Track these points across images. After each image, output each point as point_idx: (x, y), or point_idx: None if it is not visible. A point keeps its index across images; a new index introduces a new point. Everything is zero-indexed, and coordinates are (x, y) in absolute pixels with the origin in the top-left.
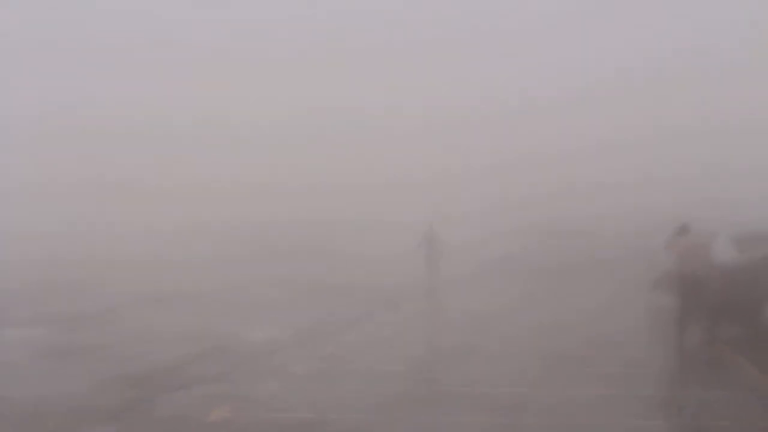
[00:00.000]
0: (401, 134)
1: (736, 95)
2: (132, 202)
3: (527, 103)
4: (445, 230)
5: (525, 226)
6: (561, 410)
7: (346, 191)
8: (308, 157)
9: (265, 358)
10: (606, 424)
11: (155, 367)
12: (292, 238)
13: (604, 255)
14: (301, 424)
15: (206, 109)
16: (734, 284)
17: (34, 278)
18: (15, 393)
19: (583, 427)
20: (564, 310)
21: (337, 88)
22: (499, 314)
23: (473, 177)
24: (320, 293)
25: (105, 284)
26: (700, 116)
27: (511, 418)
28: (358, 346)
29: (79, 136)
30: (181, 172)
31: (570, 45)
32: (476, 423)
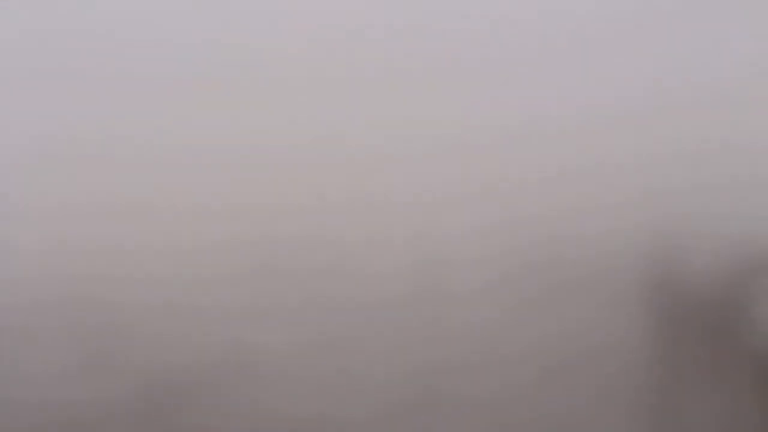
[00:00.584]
0: (402, 152)
1: (734, 118)
2: (149, 221)
3: (526, 125)
4: (444, 248)
5: (522, 244)
6: (556, 417)
7: (348, 209)
8: (312, 176)
9: (275, 367)
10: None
11: (173, 376)
12: (297, 256)
13: (596, 272)
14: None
15: (211, 129)
16: (717, 299)
17: (58, 293)
18: (37, 400)
19: None
20: (560, 324)
21: (337, 106)
22: (499, 329)
23: (476, 195)
24: (325, 308)
25: (127, 298)
26: (699, 138)
27: (509, 424)
28: (362, 357)
29: (98, 157)
30: (188, 193)
31: (569, 69)
32: (473, 428)
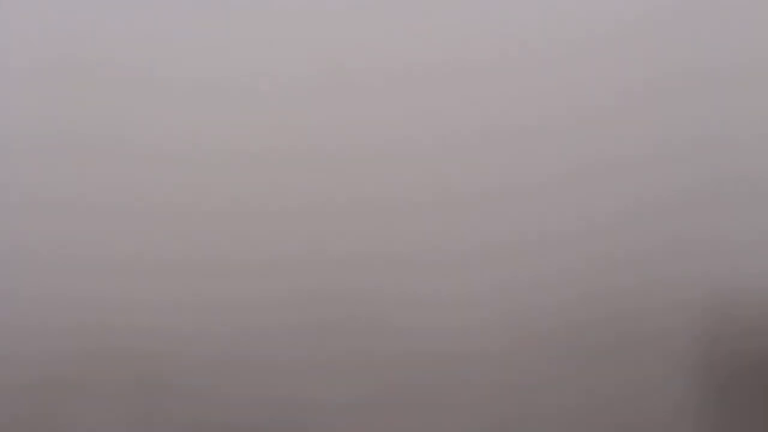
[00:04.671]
0: (438, 207)
1: None
2: (197, 275)
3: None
4: (478, 305)
5: (560, 301)
6: None
7: (388, 264)
8: (349, 228)
9: (328, 426)
10: None
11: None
12: (339, 310)
13: (644, 329)
14: None
15: (262, 184)
16: None
17: (103, 344)
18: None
19: None
20: (601, 389)
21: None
22: (535, 390)
23: (516, 249)
24: (377, 366)
25: (174, 351)
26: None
27: None
28: (410, 418)
29: (149, 214)
30: (238, 244)
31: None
32: None
